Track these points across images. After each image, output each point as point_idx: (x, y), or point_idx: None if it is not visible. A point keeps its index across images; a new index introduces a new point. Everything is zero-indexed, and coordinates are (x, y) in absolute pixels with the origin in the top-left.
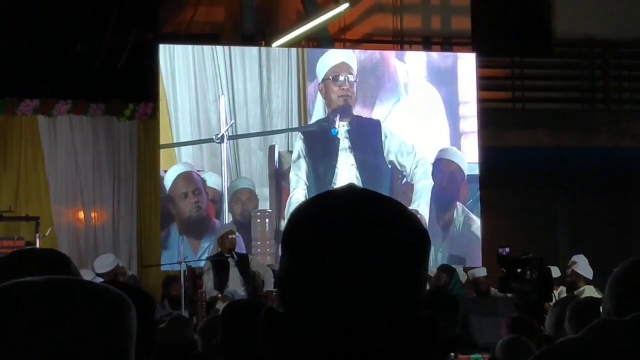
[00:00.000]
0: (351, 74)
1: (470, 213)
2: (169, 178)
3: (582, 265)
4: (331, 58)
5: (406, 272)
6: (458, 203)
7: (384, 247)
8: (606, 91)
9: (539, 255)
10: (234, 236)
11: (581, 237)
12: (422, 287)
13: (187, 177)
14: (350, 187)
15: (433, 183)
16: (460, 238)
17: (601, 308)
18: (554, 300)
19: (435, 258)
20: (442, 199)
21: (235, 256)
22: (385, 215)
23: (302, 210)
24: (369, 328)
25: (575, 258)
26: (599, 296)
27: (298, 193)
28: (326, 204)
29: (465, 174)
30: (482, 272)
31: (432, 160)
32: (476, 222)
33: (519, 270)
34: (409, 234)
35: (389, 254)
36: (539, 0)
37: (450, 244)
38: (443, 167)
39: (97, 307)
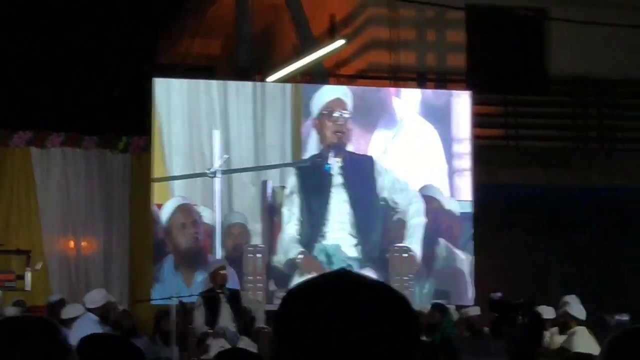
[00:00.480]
0: (346, 110)
1: (454, 248)
2: (166, 210)
3: (574, 305)
4: (326, 94)
5: (400, 357)
6: (440, 239)
7: (378, 336)
8: (600, 130)
9: (530, 300)
10: (224, 272)
11: (574, 276)
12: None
13: (185, 209)
14: (344, 274)
15: (426, 220)
16: (444, 273)
17: None
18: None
19: (420, 293)
20: (424, 235)
21: (226, 292)
22: (378, 304)
23: (296, 297)
24: None
25: (567, 298)
26: (591, 337)
27: (290, 228)
28: (320, 292)
29: (447, 209)
30: (475, 310)
31: (428, 195)
32: (462, 258)
33: (510, 315)
34: (402, 321)
35: (383, 343)
36: (533, 38)
37: (435, 279)
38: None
39: None
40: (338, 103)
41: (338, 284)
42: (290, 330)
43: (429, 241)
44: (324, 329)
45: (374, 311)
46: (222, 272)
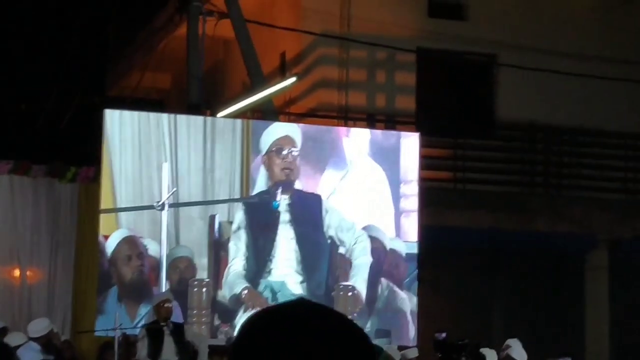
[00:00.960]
0: (295, 147)
1: (396, 288)
2: (112, 241)
3: (516, 349)
4: (276, 131)
5: None
6: (383, 278)
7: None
8: (546, 176)
9: (475, 341)
10: (169, 305)
11: (517, 319)
12: None
13: (131, 241)
14: (301, 303)
15: (372, 260)
16: (385, 313)
17: None
18: None
19: None
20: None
21: (170, 325)
22: (336, 332)
23: (253, 327)
24: None
25: (509, 342)
26: None
27: (237, 263)
28: (276, 321)
29: (390, 248)
30: (413, 353)
31: (375, 236)
32: (404, 298)
33: (454, 356)
34: (359, 349)
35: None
36: (483, 83)
37: (377, 318)
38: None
39: None
40: (287, 140)
41: (296, 312)
42: (248, 358)
43: (372, 280)
44: (283, 355)
45: (333, 338)
46: (166, 305)
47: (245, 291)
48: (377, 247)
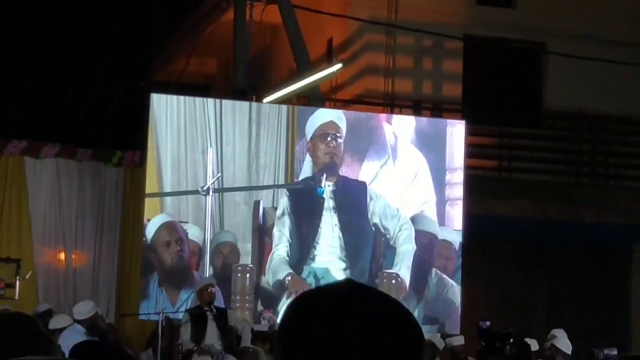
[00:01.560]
0: (339, 133)
1: (446, 277)
2: (151, 227)
3: (561, 339)
4: (320, 117)
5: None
6: (434, 269)
7: (384, 347)
8: (592, 166)
9: (518, 331)
10: (213, 289)
11: (560, 310)
12: None
13: (170, 227)
14: (348, 284)
15: (415, 248)
16: (435, 302)
17: None
18: None
19: None
20: (416, 263)
21: (214, 310)
22: (383, 313)
23: (300, 306)
24: None
25: (555, 332)
26: None
27: (280, 249)
28: (323, 301)
29: (441, 238)
30: (459, 340)
31: (419, 226)
32: (453, 288)
33: (498, 344)
34: (407, 332)
35: (389, 354)
36: (530, 71)
37: (425, 306)
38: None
39: None
40: (331, 126)
41: (343, 292)
42: (295, 339)
43: (422, 268)
44: (330, 337)
45: (380, 319)
46: (210, 289)
47: (289, 277)
48: (429, 237)
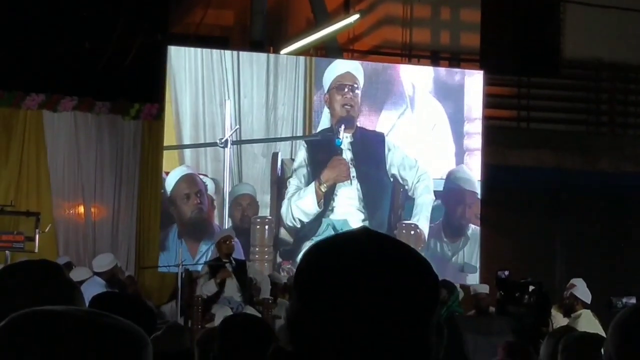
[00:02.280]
0: (356, 84)
1: (473, 226)
2: (171, 180)
3: (580, 288)
4: (336, 68)
5: (419, 318)
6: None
7: (399, 293)
8: (611, 115)
9: (537, 280)
10: (231, 242)
11: (579, 259)
12: (432, 331)
13: (190, 179)
14: (365, 231)
15: (434, 198)
16: (471, 254)
17: (602, 350)
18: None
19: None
20: (455, 218)
21: (233, 262)
22: (400, 261)
23: (317, 254)
24: None
25: (574, 281)
26: (596, 321)
27: (287, 202)
28: (342, 248)
29: (473, 191)
30: (484, 288)
31: (434, 176)
32: (476, 236)
33: (517, 294)
34: (423, 279)
35: (404, 300)
36: (548, 20)
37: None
38: (458, 186)
39: (122, 345)
40: (348, 77)
41: (361, 239)
42: (310, 285)
43: (458, 216)
44: (346, 283)
45: (397, 266)
46: (228, 242)
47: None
48: (469, 189)
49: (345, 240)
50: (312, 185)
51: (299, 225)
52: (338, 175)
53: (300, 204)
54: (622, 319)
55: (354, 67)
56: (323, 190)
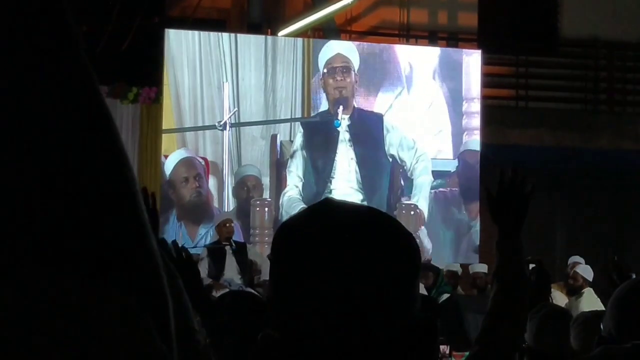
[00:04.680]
0: (347, 64)
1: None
2: (170, 163)
3: (583, 266)
4: (327, 51)
5: (403, 281)
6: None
7: (379, 257)
8: (610, 93)
9: (537, 258)
10: (231, 225)
11: (579, 237)
12: (417, 294)
13: (188, 162)
14: (327, 201)
15: (432, 179)
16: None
17: (602, 325)
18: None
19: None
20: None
21: (233, 244)
22: (366, 226)
23: (281, 232)
24: (368, 344)
25: (576, 259)
26: (598, 299)
27: (297, 184)
28: (302, 224)
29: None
30: (482, 267)
31: (433, 156)
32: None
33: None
34: (401, 242)
35: (385, 264)
36: None
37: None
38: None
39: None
40: (338, 59)
41: (321, 211)
42: (278, 265)
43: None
44: (308, 259)
45: (363, 233)
46: (228, 225)
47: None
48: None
49: (305, 215)
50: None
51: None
52: None
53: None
54: (620, 295)
55: (345, 48)
56: None
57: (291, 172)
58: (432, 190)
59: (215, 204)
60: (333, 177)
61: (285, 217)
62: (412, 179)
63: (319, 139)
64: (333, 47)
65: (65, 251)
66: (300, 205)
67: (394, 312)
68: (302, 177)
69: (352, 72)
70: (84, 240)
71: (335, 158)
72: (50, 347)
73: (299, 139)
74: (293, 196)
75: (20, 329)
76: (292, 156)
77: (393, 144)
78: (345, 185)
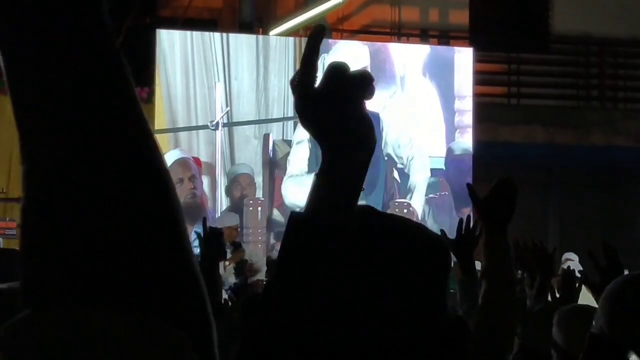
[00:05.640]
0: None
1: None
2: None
3: (575, 263)
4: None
5: (437, 282)
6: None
7: (416, 260)
8: (601, 89)
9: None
10: (237, 230)
11: (571, 234)
12: (447, 292)
13: (184, 163)
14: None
15: (429, 176)
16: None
17: (593, 321)
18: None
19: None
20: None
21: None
22: (400, 224)
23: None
24: (396, 340)
25: (569, 255)
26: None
27: (291, 181)
28: (357, 220)
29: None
30: (477, 266)
31: (429, 154)
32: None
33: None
34: (431, 243)
35: (421, 267)
36: None
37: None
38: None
39: None
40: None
41: (362, 213)
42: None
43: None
44: (351, 251)
45: (399, 235)
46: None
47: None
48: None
49: (348, 217)
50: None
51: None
52: None
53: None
54: (612, 291)
55: (353, 53)
56: None
57: (289, 168)
58: (425, 197)
59: (209, 204)
60: None
61: (283, 213)
62: (409, 175)
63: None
64: (326, 48)
65: (115, 284)
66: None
67: (430, 312)
68: (306, 165)
69: None
70: (132, 273)
71: None
72: None
73: (298, 135)
74: (295, 189)
75: None
76: (292, 150)
77: (389, 142)
78: None
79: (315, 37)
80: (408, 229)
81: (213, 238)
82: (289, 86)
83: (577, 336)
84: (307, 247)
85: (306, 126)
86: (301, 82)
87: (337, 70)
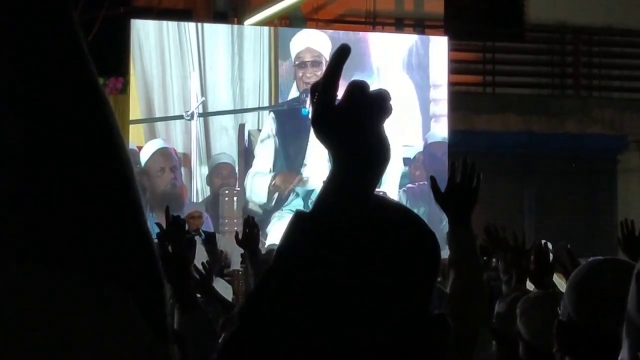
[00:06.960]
0: (316, 59)
1: None
2: (146, 152)
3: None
4: (296, 44)
5: (426, 278)
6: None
7: (395, 250)
8: (576, 78)
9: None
10: (200, 216)
11: (547, 222)
12: (433, 290)
13: (165, 153)
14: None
15: (403, 167)
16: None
17: (560, 308)
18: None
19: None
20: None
21: (202, 234)
22: (394, 216)
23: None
24: (385, 338)
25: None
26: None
27: (267, 172)
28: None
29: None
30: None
31: (403, 143)
32: None
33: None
34: (419, 235)
35: (413, 260)
36: None
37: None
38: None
39: None
40: (308, 53)
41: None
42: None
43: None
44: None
45: (396, 228)
46: (196, 216)
47: (275, 180)
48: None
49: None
50: (268, 178)
51: (265, 201)
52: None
53: (255, 191)
54: (577, 277)
55: (316, 40)
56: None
57: (263, 159)
58: (401, 190)
59: (187, 194)
60: (305, 165)
61: (258, 203)
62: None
63: (289, 127)
64: (303, 40)
65: (67, 253)
66: (274, 193)
67: (415, 306)
68: (272, 163)
69: (323, 65)
70: (87, 242)
71: (307, 147)
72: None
73: (268, 127)
74: (269, 180)
75: (14, 329)
76: (260, 143)
77: None
78: (318, 173)
79: (340, 54)
80: (406, 229)
81: (176, 226)
82: (309, 91)
83: (539, 328)
84: (305, 244)
85: (323, 139)
86: (323, 100)
87: (359, 89)
